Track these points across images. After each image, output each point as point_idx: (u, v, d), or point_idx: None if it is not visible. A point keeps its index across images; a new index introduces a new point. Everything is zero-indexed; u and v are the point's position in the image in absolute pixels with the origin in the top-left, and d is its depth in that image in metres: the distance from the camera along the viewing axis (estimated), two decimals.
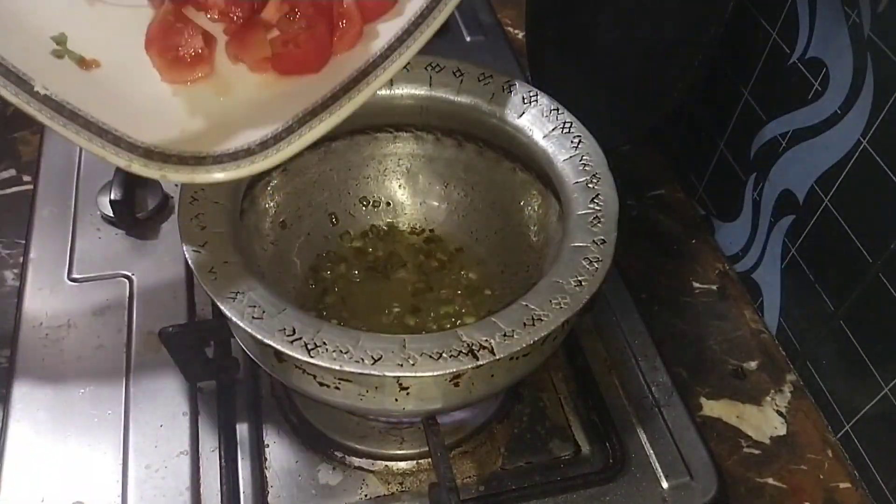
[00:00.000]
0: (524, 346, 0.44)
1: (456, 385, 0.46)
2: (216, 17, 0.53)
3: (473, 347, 0.43)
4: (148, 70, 0.50)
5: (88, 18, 0.51)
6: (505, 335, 0.44)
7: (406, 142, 0.64)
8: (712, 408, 0.65)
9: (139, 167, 0.44)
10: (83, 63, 0.49)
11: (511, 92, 0.58)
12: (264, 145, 0.45)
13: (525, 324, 0.45)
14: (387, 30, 0.51)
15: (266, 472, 0.57)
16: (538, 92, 0.58)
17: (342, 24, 0.51)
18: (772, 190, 0.67)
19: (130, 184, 0.70)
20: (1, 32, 0.46)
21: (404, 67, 0.55)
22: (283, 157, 0.45)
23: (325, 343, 0.43)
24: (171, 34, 0.50)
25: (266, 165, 0.45)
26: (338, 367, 0.42)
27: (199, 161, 0.45)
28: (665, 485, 0.57)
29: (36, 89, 0.44)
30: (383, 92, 0.59)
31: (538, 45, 0.80)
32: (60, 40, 0.48)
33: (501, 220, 0.63)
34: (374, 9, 0.52)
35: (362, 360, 0.43)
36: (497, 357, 0.43)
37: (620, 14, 0.67)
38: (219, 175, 0.44)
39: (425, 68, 0.59)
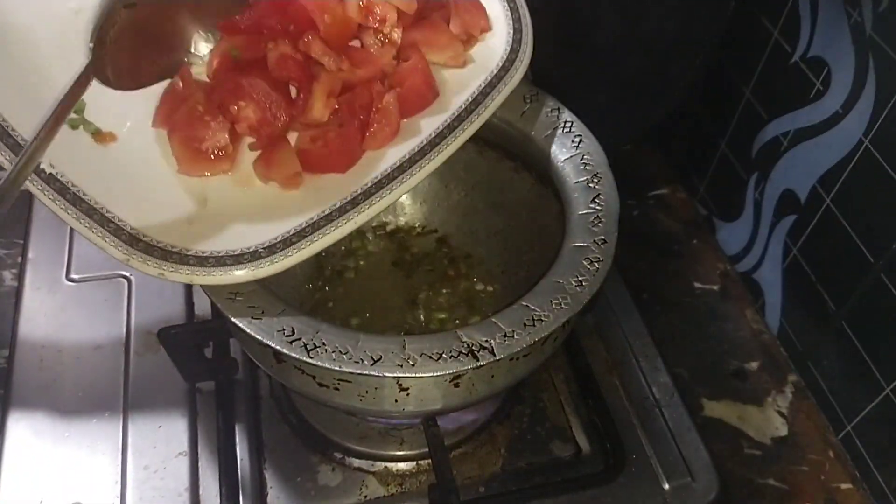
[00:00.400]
0: (524, 346, 0.44)
1: (456, 386, 0.46)
2: (245, 131, 0.49)
3: (473, 348, 0.43)
4: (165, 150, 0.48)
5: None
6: (505, 336, 0.44)
7: None
8: (713, 408, 0.65)
9: (137, 263, 0.42)
10: (98, 136, 0.47)
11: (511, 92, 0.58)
12: (272, 249, 0.43)
13: (525, 324, 0.45)
14: (426, 126, 0.48)
15: (265, 472, 0.57)
16: (538, 91, 0.58)
17: (375, 123, 0.48)
18: (773, 190, 0.67)
19: None
20: (16, 98, 0.44)
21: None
22: (290, 263, 0.43)
23: (324, 343, 0.43)
24: (197, 125, 0.47)
25: (270, 272, 0.43)
26: (337, 368, 0.42)
27: (200, 262, 0.43)
28: (666, 486, 0.57)
29: (42, 166, 0.42)
30: None
31: (538, 45, 0.79)
32: (79, 108, 0.46)
33: (502, 219, 0.63)
34: (415, 105, 0.49)
35: (362, 360, 0.42)
36: (497, 358, 0.43)
37: (621, 13, 0.67)
38: (220, 278, 0.43)
39: None
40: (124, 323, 0.64)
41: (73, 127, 0.46)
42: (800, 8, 0.60)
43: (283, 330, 0.44)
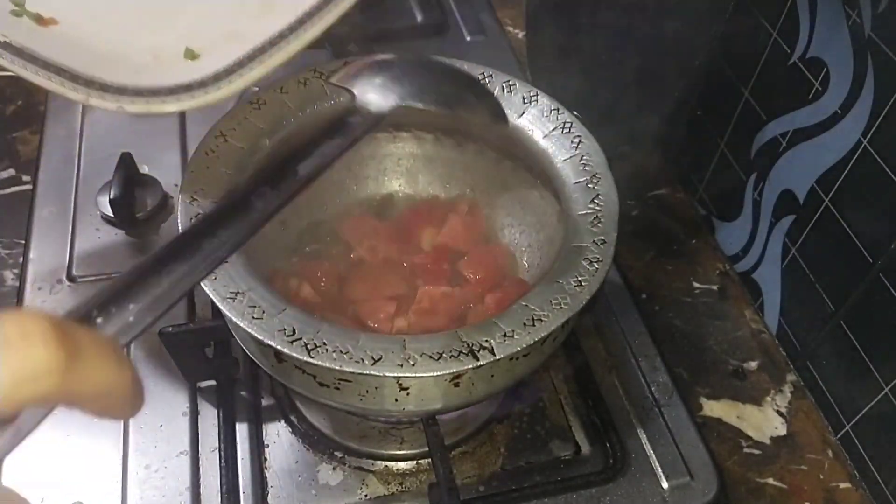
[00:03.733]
0: (524, 346, 0.44)
1: (456, 385, 0.46)
2: None
3: (473, 348, 0.43)
4: (104, 27, 0.52)
5: None
6: (505, 335, 0.44)
7: (406, 142, 0.64)
8: (712, 408, 0.65)
9: (96, 100, 0.46)
10: (41, 20, 0.51)
11: (511, 92, 0.58)
12: (217, 77, 0.48)
13: (525, 324, 0.45)
14: None
15: (266, 472, 0.57)
16: (538, 92, 0.58)
17: None
18: (772, 190, 0.67)
19: (130, 183, 0.70)
20: None
21: None
22: (235, 89, 0.47)
23: (325, 343, 0.43)
24: None
25: (219, 96, 0.47)
26: (338, 368, 0.42)
27: (153, 93, 0.47)
28: (665, 485, 0.57)
29: None
30: None
31: (538, 45, 0.79)
32: (19, 2, 0.51)
33: (501, 220, 0.63)
34: None
35: (362, 360, 0.43)
36: (497, 357, 0.43)
37: (621, 14, 0.67)
38: (172, 106, 0.47)
39: None
40: None
41: (17, 16, 0.51)
42: (798, 8, 0.60)
43: (284, 329, 0.44)
